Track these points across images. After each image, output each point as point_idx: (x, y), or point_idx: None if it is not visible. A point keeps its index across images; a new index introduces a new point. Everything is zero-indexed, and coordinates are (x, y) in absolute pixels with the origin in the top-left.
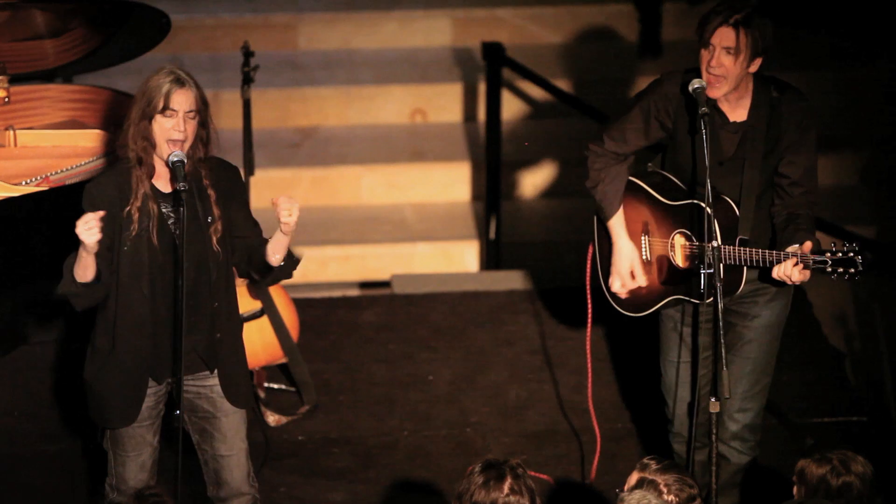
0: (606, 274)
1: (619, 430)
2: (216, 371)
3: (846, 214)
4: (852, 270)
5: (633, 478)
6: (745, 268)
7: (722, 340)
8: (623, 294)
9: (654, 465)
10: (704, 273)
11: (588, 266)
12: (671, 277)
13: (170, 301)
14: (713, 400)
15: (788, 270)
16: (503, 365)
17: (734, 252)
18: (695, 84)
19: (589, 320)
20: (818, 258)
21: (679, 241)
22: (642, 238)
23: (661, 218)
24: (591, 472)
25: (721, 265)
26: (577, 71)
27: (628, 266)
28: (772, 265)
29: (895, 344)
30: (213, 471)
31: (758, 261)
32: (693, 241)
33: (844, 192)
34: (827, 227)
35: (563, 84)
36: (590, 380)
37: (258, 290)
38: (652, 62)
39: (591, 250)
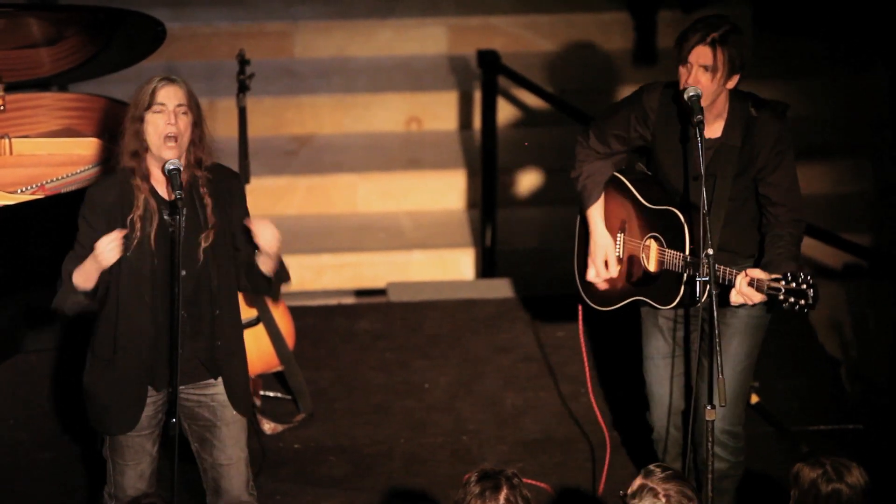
0: (581, 267)
1: (614, 439)
2: (220, 378)
3: (841, 222)
4: (802, 302)
5: (636, 483)
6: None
7: (718, 349)
8: (599, 284)
9: (659, 473)
10: (700, 280)
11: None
12: (638, 278)
13: (169, 309)
14: (708, 408)
15: (744, 289)
16: (499, 373)
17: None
18: (690, 92)
19: (580, 325)
20: (772, 285)
21: (652, 244)
22: (618, 235)
23: (639, 218)
24: (601, 481)
25: (714, 274)
26: (573, 79)
27: (602, 256)
28: (730, 283)
29: (891, 351)
30: (212, 479)
31: (719, 277)
32: (664, 247)
33: (839, 200)
34: (822, 235)
35: (558, 92)
36: (590, 387)
37: (254, 298)
38: (647, 70)
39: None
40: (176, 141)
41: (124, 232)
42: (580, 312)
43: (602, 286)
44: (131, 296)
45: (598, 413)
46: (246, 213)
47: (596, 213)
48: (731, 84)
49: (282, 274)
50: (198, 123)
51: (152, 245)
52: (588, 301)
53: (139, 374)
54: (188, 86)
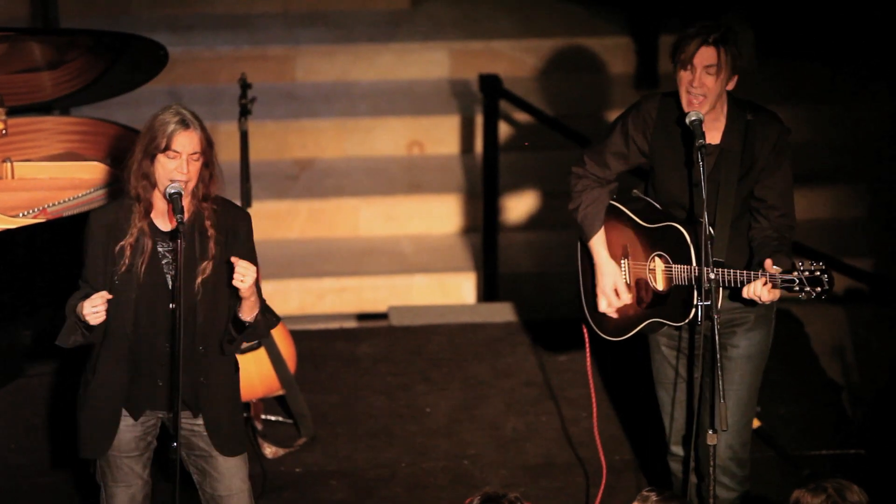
0: (589, 299)
1: (618, 463)
2: (201, 415)
3: (843, 247)
4: (819, 289)
5: None
6: (720, 291)
7: (720, 374)
8: (611, 314)
9: (654, 497)
10: (701, 305)
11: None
12: (650, 300)
13: (151, 339)
14: (710, 432)
15: (758, 290)
16: (500, 397)
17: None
18: (692, 117)
19: (588, 350)
20: (786, 277)
21: (658, 263)
22: (622, 261)
23: (639, 241)
24: (596, 502)
25: (717, 292)
26: (574, 103)
27: (611, 284)
28: (743, 285)
29: (892, 376)
30: None
31: (730, 281)
32: (670, 263)
33: (841, 225)
34: (824, 260)
35: (560, 116)
36: (594, 409)
37: None
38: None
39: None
40: (184, 185)
41: (108, 296)
42: (586, 336)
43: (614, 315)
44: (114, 323)
45: (598, 442)
46: (251, 255)
47: (598, 244)
48: (731, 85)
49: (262, 325)
50: (208, 164)
51: (140, 275)
52: (601, 333)
53: (112, 400)
54: (203, 129)
